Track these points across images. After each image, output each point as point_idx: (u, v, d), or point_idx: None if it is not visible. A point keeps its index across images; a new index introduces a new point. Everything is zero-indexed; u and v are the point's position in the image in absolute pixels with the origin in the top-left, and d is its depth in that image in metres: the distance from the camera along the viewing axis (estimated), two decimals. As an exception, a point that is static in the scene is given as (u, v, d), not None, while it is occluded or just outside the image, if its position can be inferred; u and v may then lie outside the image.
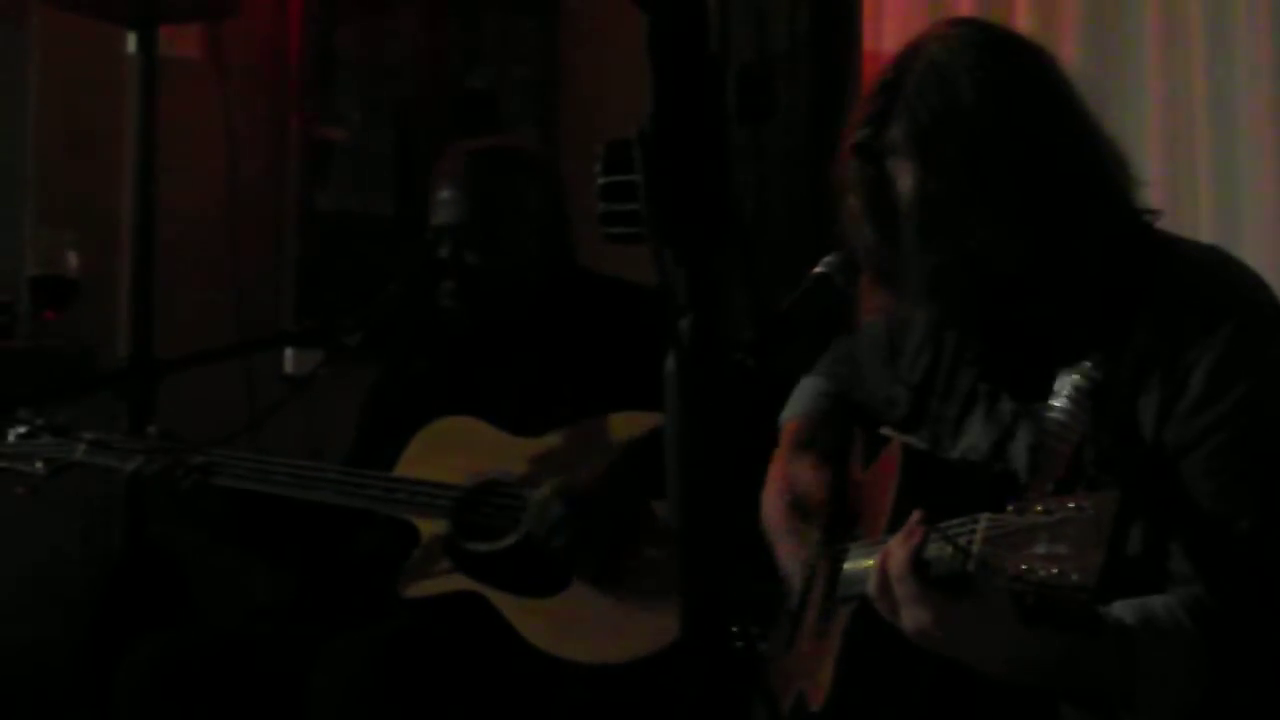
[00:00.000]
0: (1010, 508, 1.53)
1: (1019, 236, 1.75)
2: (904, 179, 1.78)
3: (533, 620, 2.53)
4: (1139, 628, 1.63)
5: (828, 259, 1.92)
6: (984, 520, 1.55)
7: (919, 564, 1.61)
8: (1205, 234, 2.76)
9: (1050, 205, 1.74)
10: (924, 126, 1.75)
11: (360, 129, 4.10)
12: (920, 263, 1.78)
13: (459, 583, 2.59)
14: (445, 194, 2.77)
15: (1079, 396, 1.76)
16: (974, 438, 1.92)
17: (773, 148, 3.64)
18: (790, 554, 2.04)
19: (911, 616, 1.63)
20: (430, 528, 2.64)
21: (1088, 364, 1.77)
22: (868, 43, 3.49)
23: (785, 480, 2.05)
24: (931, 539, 1.60)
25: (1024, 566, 1.47)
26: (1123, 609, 1.65)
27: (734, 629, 1.93)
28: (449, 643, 2.51)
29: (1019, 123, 1.74)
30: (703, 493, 1.32)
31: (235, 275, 3.84)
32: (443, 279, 2.75)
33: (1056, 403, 1.77)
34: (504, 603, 2.55)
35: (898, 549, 1.63)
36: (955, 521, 1.60)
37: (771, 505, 2.06)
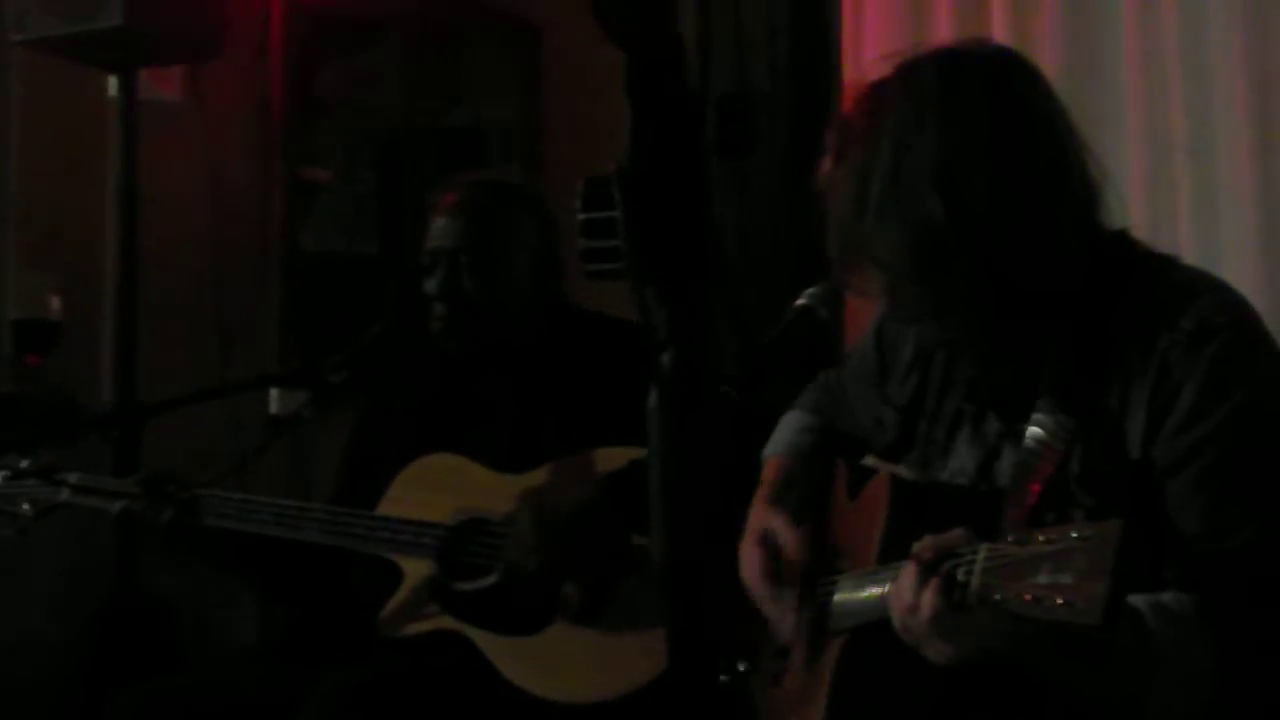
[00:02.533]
0: (1010, 538, 1.53)
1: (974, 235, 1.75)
2: (856, 151, 1.80)
3: (514, 660, 2.52)
4: (1149, 612, 1.62)
5: (810, 291, 1.92)
6: (983, 551, 1.55)
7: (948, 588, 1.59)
8: (1184, 242, 2.77)
9: (1012, 234, 1.74)
10: (873, 118, 1.78)
11: (343, 169, 4.11)
12: (877, 235, 1.79)
13: (442, 622, 2.58)
14: (443, 220, 2.78)
15: (1063, 417, 1.76)
16: (962, 459, 1.92)
17: (754, 180, 3.64)
18: (771, 611, 2.03)
19: (936, 650, 1.62)
20: (414, 566, 2.63)
21: (1071, 384, 1.77)
22: (847, 74, 3.50)
23: (761, 539, 2.04)
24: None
25: (1028, 597, 1.47)
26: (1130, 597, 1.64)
27: (720, 664, 1.92)
28: (434, 681, 2.50)
29: (965, 154, 1.75)
30: (687, 527, 1.31)
31: (220, 316, 3.84)
32: (433, 306, 2.75)
33: (1040, 423, 1.77)
34: (486, 642, 2.54)
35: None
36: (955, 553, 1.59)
37: (748, 563, 2.04)
